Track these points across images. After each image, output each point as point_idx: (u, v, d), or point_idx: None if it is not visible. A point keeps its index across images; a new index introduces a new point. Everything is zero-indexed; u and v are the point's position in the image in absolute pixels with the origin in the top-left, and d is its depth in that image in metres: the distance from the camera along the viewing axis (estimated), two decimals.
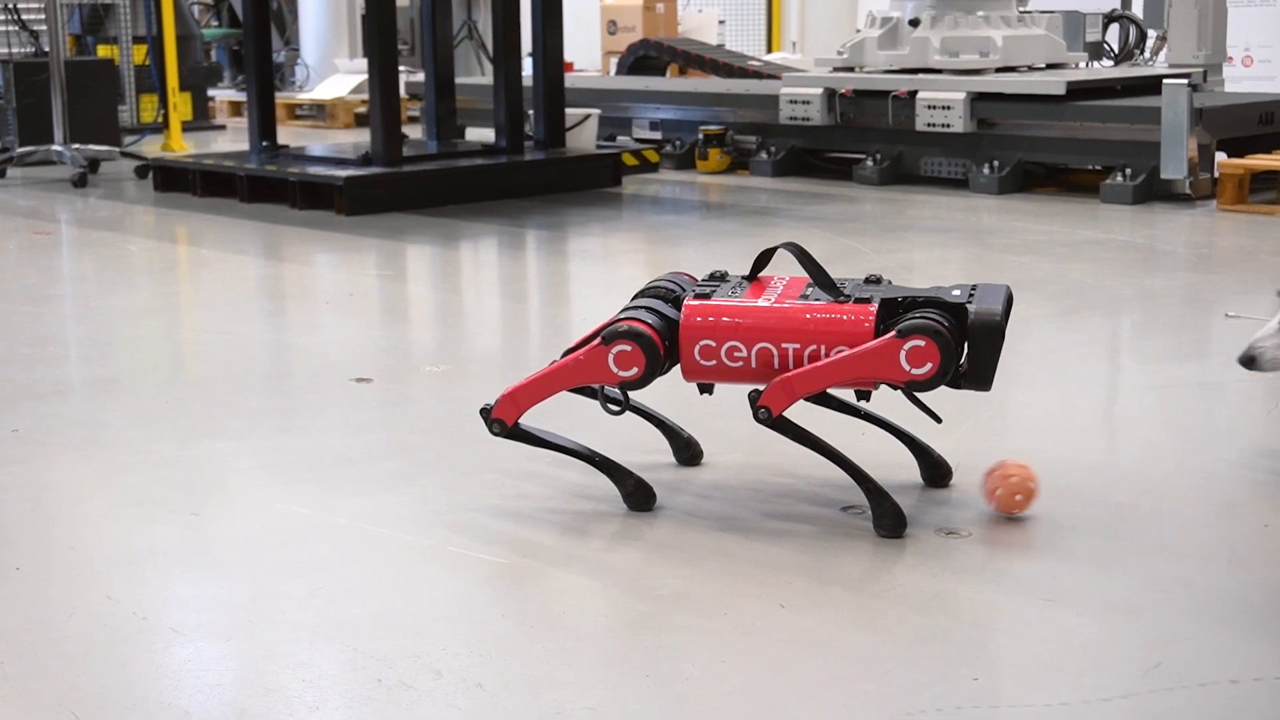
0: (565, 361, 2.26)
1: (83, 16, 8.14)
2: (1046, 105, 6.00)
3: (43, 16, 7.28)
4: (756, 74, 8.01)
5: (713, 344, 2.20)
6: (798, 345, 2.17)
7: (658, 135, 7.37)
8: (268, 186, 5.92)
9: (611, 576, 2.04)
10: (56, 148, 6.80)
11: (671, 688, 1.69)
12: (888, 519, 2.16)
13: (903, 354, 2.11)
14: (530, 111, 6.55)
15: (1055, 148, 6.07)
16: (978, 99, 6.13)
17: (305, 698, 1.68)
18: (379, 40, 5.87)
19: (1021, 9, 6.70)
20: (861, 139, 6.58)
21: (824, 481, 2.36)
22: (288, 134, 7.16)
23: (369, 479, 2.47)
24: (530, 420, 2.32)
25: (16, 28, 7.55)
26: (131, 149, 7.35)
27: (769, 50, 12.59)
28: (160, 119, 8.05)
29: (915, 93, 6.25)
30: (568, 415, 2.48)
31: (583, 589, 2.01)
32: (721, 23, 11.70)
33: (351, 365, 3.27)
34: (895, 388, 2.17)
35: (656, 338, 2.20)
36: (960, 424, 2.65)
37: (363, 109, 9.60)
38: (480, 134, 7.35)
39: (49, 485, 2.49)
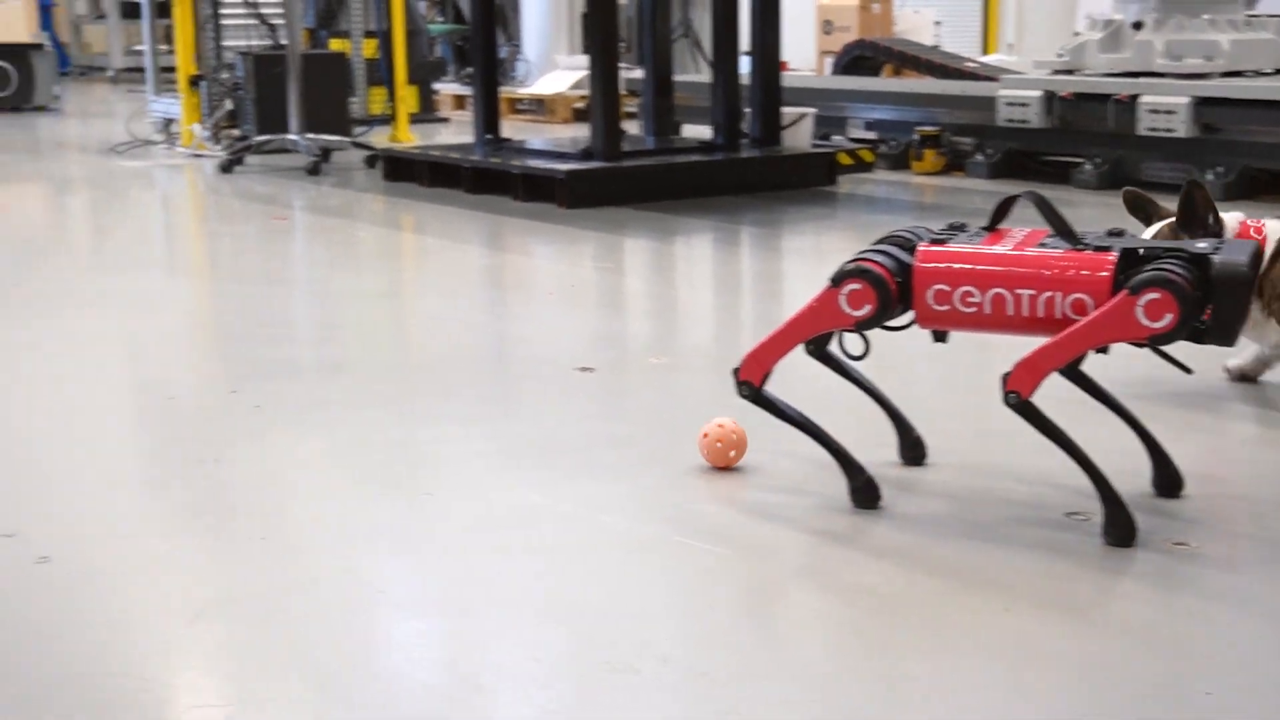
0: (800, 312, 2.28)
1: (317, 11, 8.43)
2: (1275, 111, 5.82)
3: (280, 11, 7.57)
4: (973, 75, 7.91)
5: (947, 288, 2.19)
6: (1033, 292, 2.14)
7: (873, 135, 7.34)
8: (491, 178, 6.07)
9: (833, 574, 2.06)
10: (292, 136, 7.06)
11: (896, 687, 1.71)
12: (1119, 528, 2.13)
13: (1139, 309, 2.05)
14: (747, 109, 6.58)
15: None
16: (1202, 103, 5.97)
17: (536, 676, 1.74)
18: (601, 37, 5.97)
19: (1249, 13, 6.50)
20: (1079, 142, 6.46)
21: (1046, 484, 2.35)
22: (508, 128, 7.31)
23: (594, 467, 2.53)
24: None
25: (256, 21, 7.85)
26: (361, 139, 7.60)
27: (984, 52, 12.42)
28: (388, 111, 8.30)
29: (1137, 96, 6.12)
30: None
31: (805, 585, 2.03)
32: (937, 24, 11.58)
33: (574, 355, 3.35)
34: (1140, 345, 2.12)
35: (887, 275, 2.21)
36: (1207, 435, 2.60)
37: (581, 104, 9.75)
38: (696, 131, 7.41)
39: (290, 460, 2.61)
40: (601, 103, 5.98)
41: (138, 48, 14.28)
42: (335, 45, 8.30)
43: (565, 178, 5.71)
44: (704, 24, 11.68)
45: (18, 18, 10.38)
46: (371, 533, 2.22)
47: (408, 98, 8.40)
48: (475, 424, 2.82)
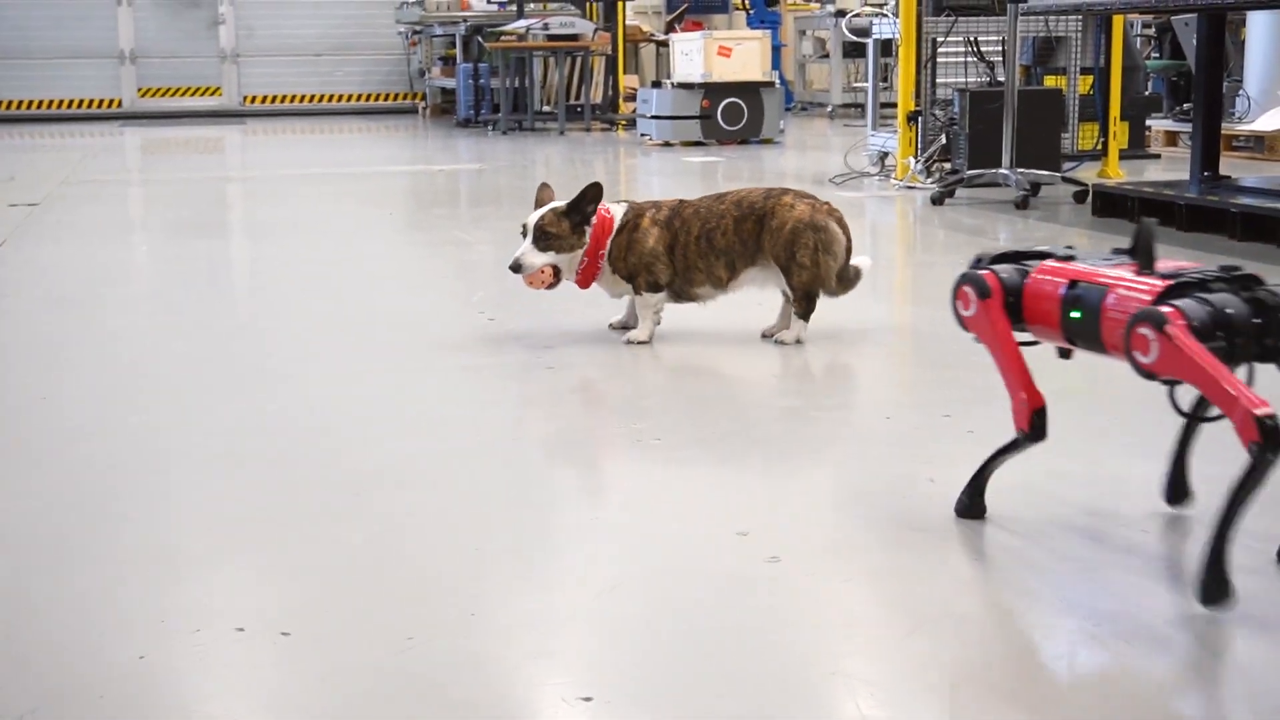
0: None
1: (1035, 48, 8.53)
2: None
3: (999, 49, 7.73)
4: None
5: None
6: None
7: None
8: (1207, 216, 5.93)
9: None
10: (1003, 171, 7.21)
11: None
12: None
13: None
14: None
15: None
16: None
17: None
18: None
19: None
20: None
21: None
22: (1224, 165, 7.08)
23: None
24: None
25: (975, 59, 8.07)
26: (1070, 174, 7.62)
27: None
28: (1099, 146, 8.27)
29: None
30: None
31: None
32: None
33: None
34: None
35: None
36: None
37: None
38: None
39: (1007, 486, 2.73)
40: None
41: (857, 84, 14.97)
42: (1050, 81, 8.36)
43: None
44: None
45: (754, 58, 11.21)
46: (1074, 564, 2.30)
47: (1120, 134, 8.33)
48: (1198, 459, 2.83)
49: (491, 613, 2.12)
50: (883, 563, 2.33)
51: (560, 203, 3.99)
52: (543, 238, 3.93)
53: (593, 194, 3.94)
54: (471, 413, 3.33)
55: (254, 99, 17.17)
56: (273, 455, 2.98)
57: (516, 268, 3.93)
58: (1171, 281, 2.16)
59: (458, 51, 14.55)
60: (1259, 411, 1.97)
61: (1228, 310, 2.10)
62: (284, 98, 17.25)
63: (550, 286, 4.02)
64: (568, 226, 3.95)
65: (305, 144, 12.81)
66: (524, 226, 3.99)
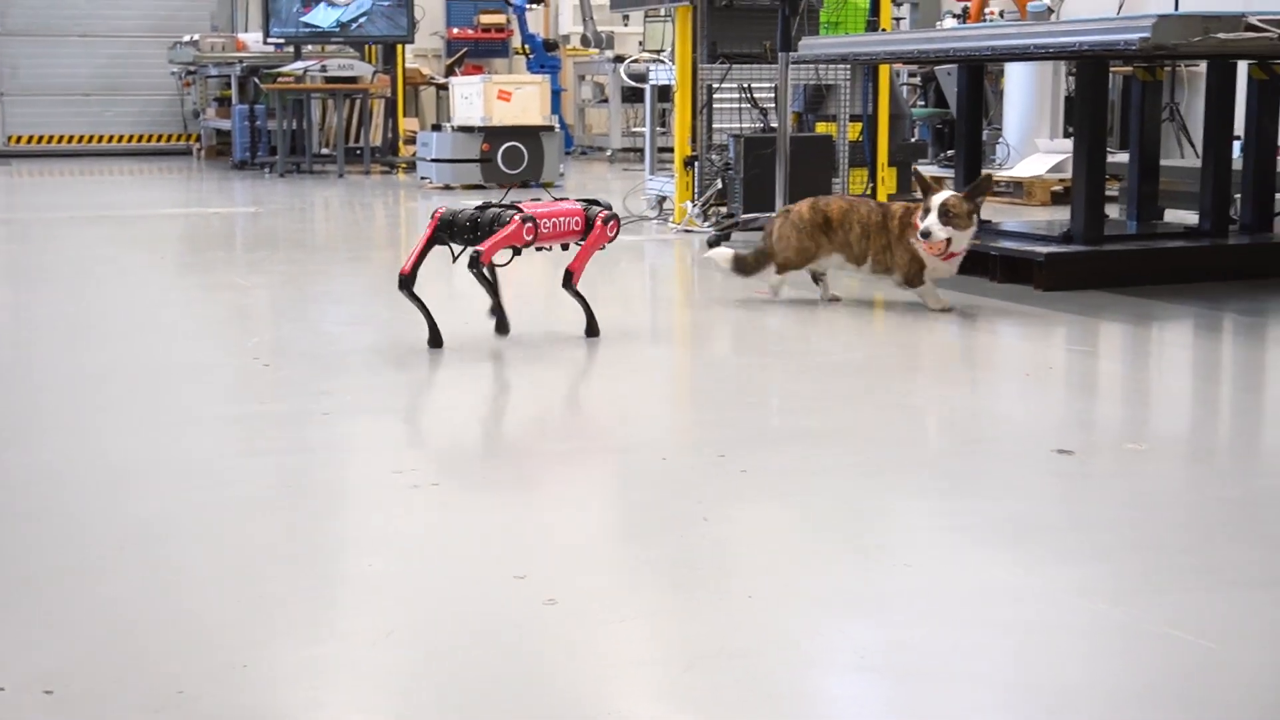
0: None
1: (806, 95, 8.75)
2: None
3: (772, 96, 7.92)
4: None
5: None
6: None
7: None
8: (970, 258, 6.15)
9: None
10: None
11: None
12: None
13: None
14: (1237, 195, 6.41)
15: None
16: None
17: None
18: (1089, 122, 5.98)
19: None
20: None
21: None
22: (986, 210, 7.36)
23: (1072, 549, 2.60)
24: None
25: (749, 106, 8.25)
26: None
27: None
28: (868, 191, 8.52)
29: None
30: None
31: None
32: None
33: (1052, 436, 3.41)
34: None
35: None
36: None
37: (1059, 188, 9.68)
38: (1179, 216, 7.25)
39: (782, 526, 2.80)
40: (1085, 186, 5.98)
41: (636, 129, 15.15)
42: (821, 128, 8.59)
43: (1044, 260, 5.74)
44: (1190, 108, 11.38)
45: (534, 102, 11.27)
46: (851, 598, 2.37)
47: (888, 178, 8.60)
48: (949, 499, 2.94)
49: (263, 664, 2.09)
50: (659, 602, 2.37)
51: (953, 192, 5.16)
52: (946, 215, 5.03)
53: (987, 185, 5.23)
54: (244, 461, 3.28)
55: (19, 139, 16.61)
56: (26, 510, 2.89)
57: (927, 234, 5.04)
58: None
59: (233, 92, 14.32)
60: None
61: None
62: (52, 138, 16.72)
63: (946, 258, 5.19)
64: (966, 209, 5.06)
65: (74, 186, 12.44)
66: (927, 204, 5.08)
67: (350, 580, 2.48)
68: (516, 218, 4.46)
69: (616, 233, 4.71)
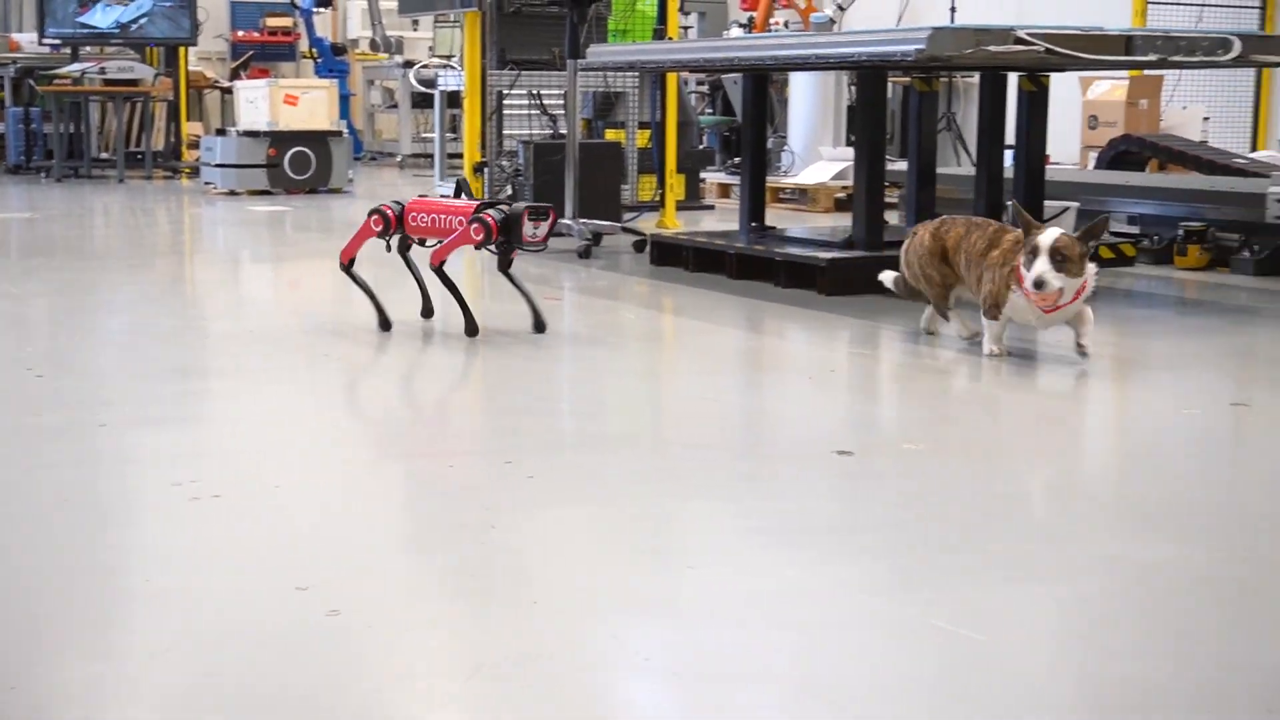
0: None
1: (595, 103, 8.81)
2: None
3: (561, 103, 7.96)
4: (1241, 171, 7.80)
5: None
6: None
7: (1135, 230, 7.31)
8: (755, 264, 6.28)
9: None
10: (566, 221, 7.41)
11: None
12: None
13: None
14: (1009, 202, 6.64)
15: None
16: None
17: None
18: (868, 131, 6.14)
19: None
20: None
21: None
22: (772, 216, 7.52)
23: (852, 548, 2.67)
24: None
25: (538, 112, 8.27)
26: (630, 225, 7.91)
27: (1254, 148, 12.14)
28: (657, 198, 8.62)
29: None
30: None
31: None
32: (1206, 119, 11.38)
33: (832, 438, 3.49)
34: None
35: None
36: None
37: (843, 195, 9.92)
38: None
39: (569, 531, 2.82)
40: (865, 193, 6.14)
41: (426, 134, 15.04)
42: (610, 135, 8.66)
43: (826, 265, 5.87)
44: (966, 118, 11.76)
45: (321, 107, 11.12)
46: (638, 602, 2.40)
47: (676, 185, 8.71)
48: (737, 501, 2.99)
49: (34, 684, 2.02)
50: (443, 610, 2.36)
51: (1062, 231, 4.21)
52: (1059, 259, 4.13)
53: (1103, 227, 4.25)
54: (14, 477, 3.17)
55: None
56: None
57: (1040, 284, 4.13)
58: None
59: (7, 94, 13.81)
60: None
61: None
62: None
63: (1052, 310, 4.28)
64: (1079, 252, 4.17)
65: None
66: (1033, 244, 4.18)
67: (126, 596, 2.42)
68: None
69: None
